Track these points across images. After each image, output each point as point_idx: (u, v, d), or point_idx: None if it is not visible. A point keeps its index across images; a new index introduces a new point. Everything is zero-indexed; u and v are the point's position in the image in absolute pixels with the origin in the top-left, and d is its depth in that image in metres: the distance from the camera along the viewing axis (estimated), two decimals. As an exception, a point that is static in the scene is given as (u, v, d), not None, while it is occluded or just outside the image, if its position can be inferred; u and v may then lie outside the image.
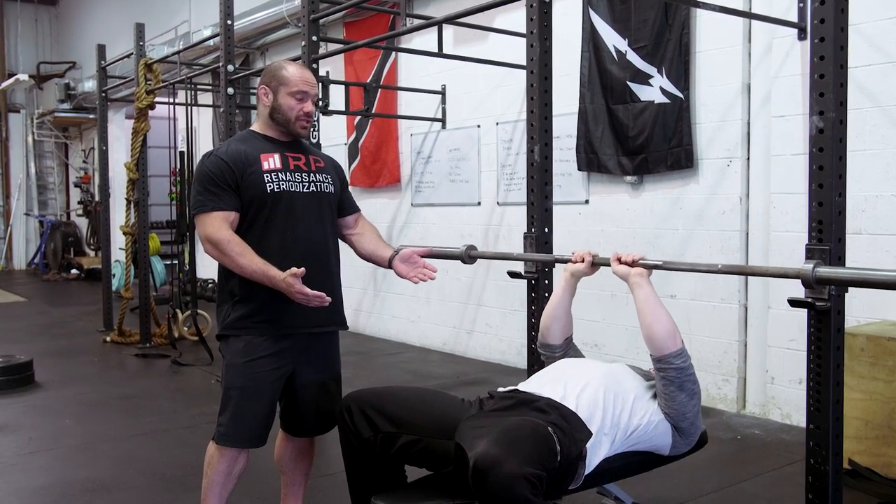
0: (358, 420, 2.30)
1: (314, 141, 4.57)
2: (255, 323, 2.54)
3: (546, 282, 3.02)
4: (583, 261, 2.58)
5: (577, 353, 2.69)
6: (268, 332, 2.55)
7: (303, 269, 2.39)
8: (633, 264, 2.45)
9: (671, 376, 2.29)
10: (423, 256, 2.82)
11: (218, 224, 2.50)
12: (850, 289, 2.22)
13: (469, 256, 3.03)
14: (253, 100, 8.20)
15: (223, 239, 2.48)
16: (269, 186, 2.53)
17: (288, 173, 2.58)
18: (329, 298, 2.43)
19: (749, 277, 4.52)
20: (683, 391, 2.29)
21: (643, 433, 2.30)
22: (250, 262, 2.46)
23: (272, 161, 2.57)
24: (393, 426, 2.28)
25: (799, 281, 2.20)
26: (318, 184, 2.65)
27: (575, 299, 2.66)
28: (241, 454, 2.64)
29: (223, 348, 2.65)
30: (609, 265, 2.51)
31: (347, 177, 8.16)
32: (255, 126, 2.70)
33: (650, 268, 2.45)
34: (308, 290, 2.39)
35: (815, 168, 2.19)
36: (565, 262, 2.67)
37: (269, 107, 2.61)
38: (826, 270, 2.12)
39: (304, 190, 2.61)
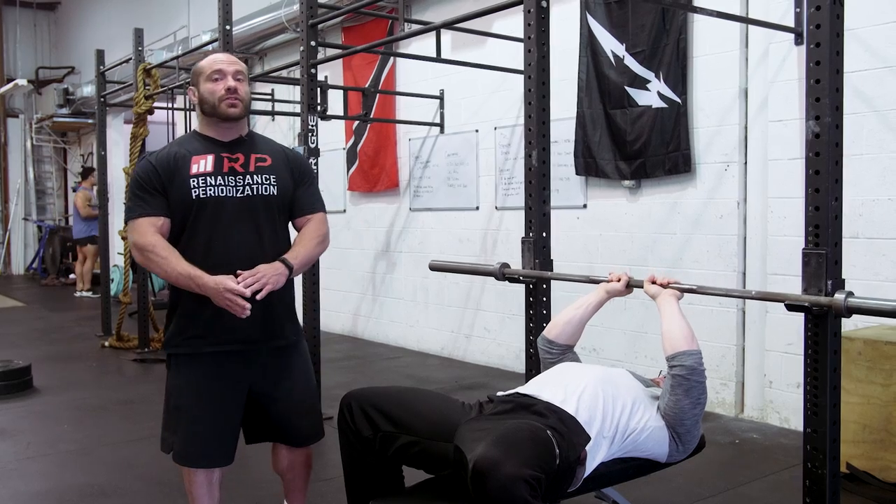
0: (358, 418, 2.30)
1: (313, 145, 4.52)
2: (186, 339, 2.44)
3: (544, 286, 3.02)
4: (619, 280, 2.63)
5: (574, 360, 2.70)
6: (203, 350, 2.44)
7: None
8: (666, 286, 2.50)
9: (681, 375, 2.29)
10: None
11: (144, 230, 2.40)
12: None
13: (502, 274, 2.99)
14: (253, 105, 8.22)
15: (148, 245, 2.38)
16: (195, 192, 2.42)
17: (219, 177, 2.45)
18: (248, 307, 2.32)
19: (747, 281, 4.52)
20: (689, 397, 2.29)
21: (640, 438, 2.30)
22: (175, 266, 2.35)
23: (203, 164, 2.45)
24: (392, 426, 2.28)
25: (797, 284, 2.22)
26: (256, 186, 2.48)
27: (574, 304, 2.67)
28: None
29: (168, 364, 2.54)
30: (642, 287, 2.56)
31: (346, 180, 7.94)
32: (198, 127, 2.59)
33: (683, 290, 2.49)
34: (235, 288, 2.29)
35: (812, 172, 2.20)
36: (598, 282, 2.71)
37: (196, 103, 2.52)
38: (858, 301, 2.09)
39: (237, 195, 2.46)
